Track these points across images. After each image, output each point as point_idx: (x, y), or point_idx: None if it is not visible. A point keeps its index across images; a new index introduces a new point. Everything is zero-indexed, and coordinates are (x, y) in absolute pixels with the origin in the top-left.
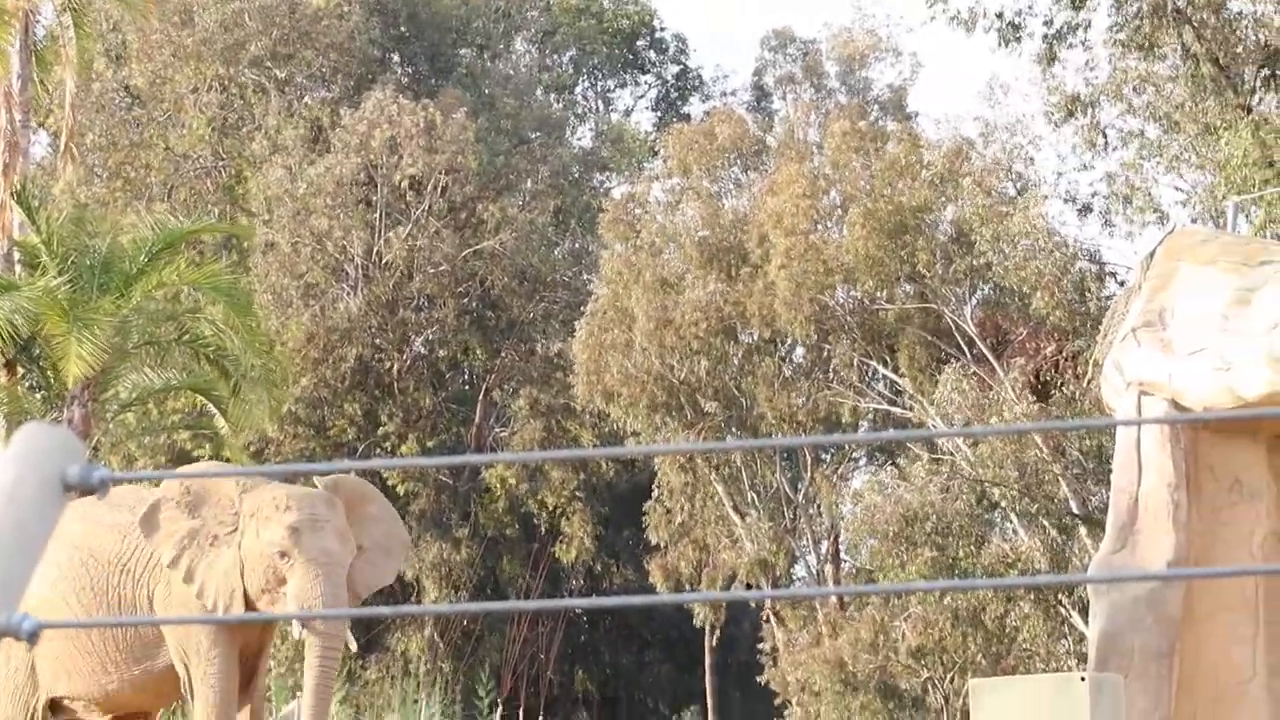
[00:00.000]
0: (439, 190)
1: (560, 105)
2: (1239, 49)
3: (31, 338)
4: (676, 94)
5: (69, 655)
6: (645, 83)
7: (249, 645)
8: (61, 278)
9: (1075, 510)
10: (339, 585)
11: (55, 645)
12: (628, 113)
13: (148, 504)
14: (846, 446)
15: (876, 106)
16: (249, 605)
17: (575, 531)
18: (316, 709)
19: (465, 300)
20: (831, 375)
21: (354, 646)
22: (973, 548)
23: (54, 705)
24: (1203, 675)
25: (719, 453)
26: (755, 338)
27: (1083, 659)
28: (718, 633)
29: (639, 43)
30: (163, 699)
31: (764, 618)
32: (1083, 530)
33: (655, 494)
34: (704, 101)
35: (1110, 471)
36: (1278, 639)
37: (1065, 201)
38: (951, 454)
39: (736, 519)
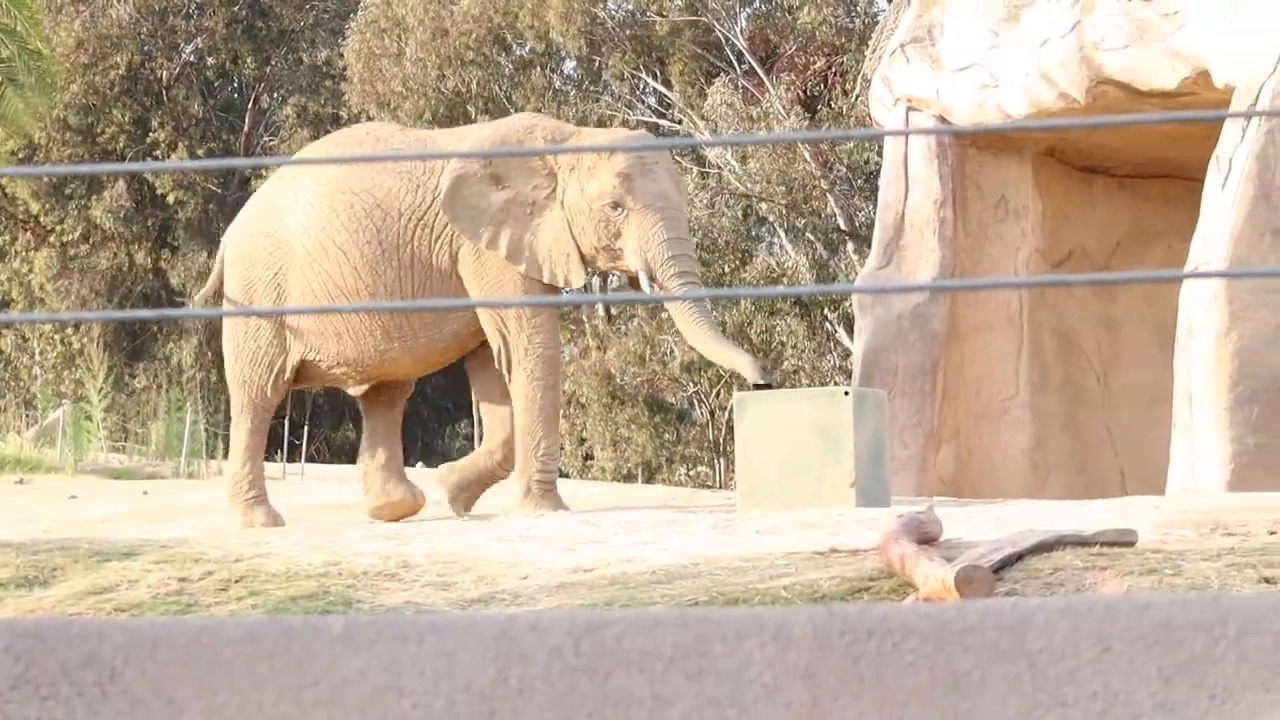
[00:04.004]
0: None
1: None
2: None
3: None
4: None
5: (342, 317)
6: None
7: None
8: None
9: (842, 226)
10: (682, 229)
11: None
12: None
13: (447, 185)
14: None
15: None
16: (586, 266)
17: None
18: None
19: (235, 9)
20: (602, 88)
21: (704, 289)
22: (738, 263)
23: (304, 368)
24: (966, 391)
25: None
26: (528, 50)
27: (849, 375)
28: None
29: None
30: (430, 367)
31: None
32: (849, 246)
33: None
34: None
35: (877, 188)
36: (1040, 356)
37: None
38: (719, 168)
39: None
